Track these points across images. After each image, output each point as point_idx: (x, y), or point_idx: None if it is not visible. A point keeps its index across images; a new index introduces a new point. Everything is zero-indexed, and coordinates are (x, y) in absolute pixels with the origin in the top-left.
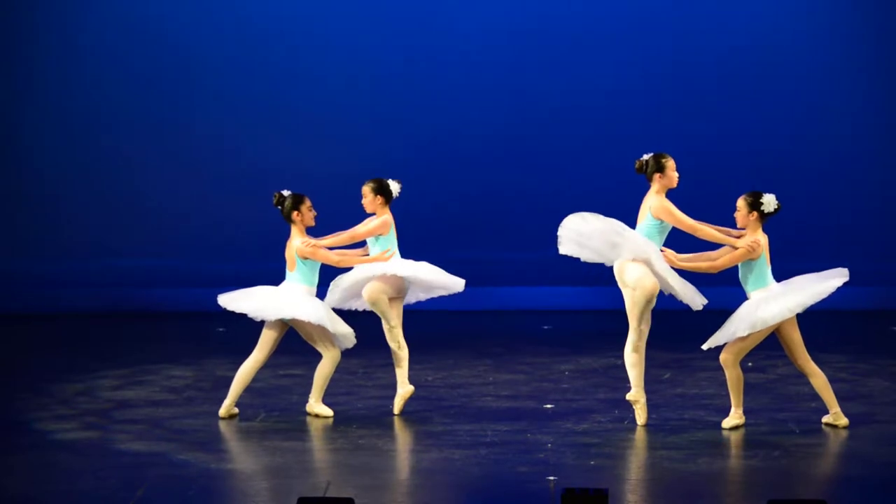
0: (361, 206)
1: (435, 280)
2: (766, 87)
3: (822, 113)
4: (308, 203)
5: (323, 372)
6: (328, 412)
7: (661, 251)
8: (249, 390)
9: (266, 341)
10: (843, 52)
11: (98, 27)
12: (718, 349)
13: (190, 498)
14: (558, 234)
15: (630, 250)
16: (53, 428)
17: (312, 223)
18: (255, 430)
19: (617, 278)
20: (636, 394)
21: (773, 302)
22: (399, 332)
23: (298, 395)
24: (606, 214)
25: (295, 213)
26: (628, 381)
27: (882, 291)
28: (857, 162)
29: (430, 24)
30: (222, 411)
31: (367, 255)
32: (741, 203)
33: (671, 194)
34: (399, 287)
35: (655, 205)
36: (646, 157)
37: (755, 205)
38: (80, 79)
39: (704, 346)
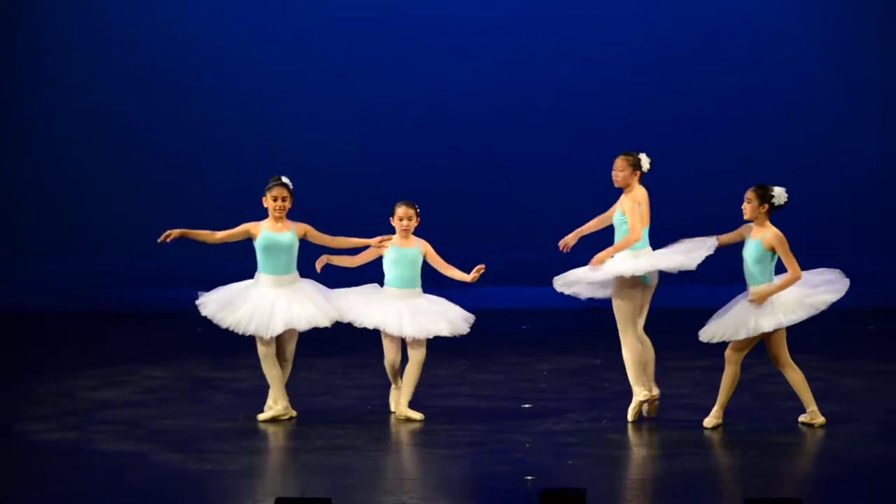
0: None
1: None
2: (763, 87)
3: (821, 111)
4: (273, 193)
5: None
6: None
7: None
8: (231, 391)
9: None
10: (845, 53)
11: (100, 26)
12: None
13: (168, 498)
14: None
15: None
16: (32, 429)
17: (275, 213)
18: (233, 430)
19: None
20: (649, 390)
21: (769, 315)
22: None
23: None
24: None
25: (263, 198)
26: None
27: (858, 291)
28: (839, 163)
29: (428, 23)
30: (280, 411)
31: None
32: (751, 195)
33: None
34: None
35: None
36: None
37: (766, 197)
38: (78, 78)
39: (702, 339)
